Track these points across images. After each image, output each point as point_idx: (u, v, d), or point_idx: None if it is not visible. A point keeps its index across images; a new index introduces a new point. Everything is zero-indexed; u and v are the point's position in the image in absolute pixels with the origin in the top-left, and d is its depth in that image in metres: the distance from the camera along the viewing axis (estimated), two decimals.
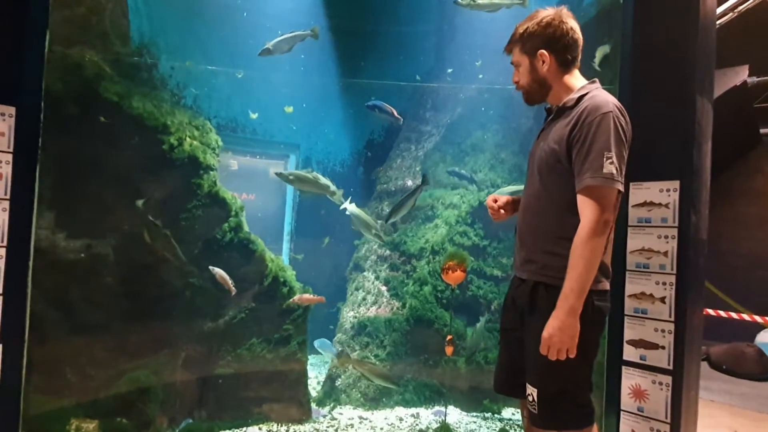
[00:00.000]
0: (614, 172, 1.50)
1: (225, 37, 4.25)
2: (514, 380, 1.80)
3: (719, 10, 3.67)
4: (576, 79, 1.74)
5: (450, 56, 4.73)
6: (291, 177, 3.69)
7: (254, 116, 4.62)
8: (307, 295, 3.49)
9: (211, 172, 3.33)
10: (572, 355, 1.53)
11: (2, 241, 2.07)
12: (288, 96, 4.59)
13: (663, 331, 2.17)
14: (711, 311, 5.19)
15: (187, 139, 3.23)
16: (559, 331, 1.51)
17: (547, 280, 1.63)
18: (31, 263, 2.18)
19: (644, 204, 2.26)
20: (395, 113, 4.04)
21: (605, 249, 1.59)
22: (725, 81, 5.23)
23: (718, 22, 3.69)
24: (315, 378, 4.23)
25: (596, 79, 1.75)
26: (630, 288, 2.29)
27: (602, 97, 1.61)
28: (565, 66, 1.72)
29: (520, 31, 1.75)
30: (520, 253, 1.77)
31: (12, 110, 2.09)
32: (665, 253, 2.18)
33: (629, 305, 2.29)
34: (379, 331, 4.09)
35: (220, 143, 3.49)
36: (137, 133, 3.06)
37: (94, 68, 2.94)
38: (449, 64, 4.70)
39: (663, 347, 2.17)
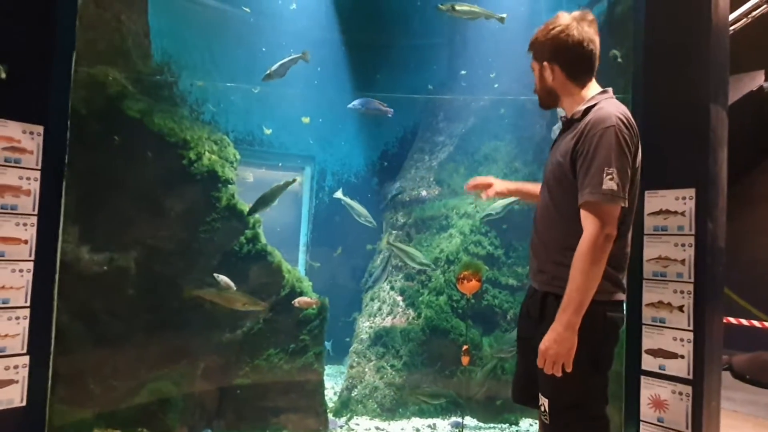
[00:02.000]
0: (614, 188, 1.49)
1: (242, 54, 4.37)
2: (530, 390, 1.79)
3: (733, 16, 3.65)
4: (588, 90, 1.70)
5: (462, 68, 4.78)
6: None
7: (268, 132, 4.72)
8: (305, 298, 3.53)
9: (230, 186, 3.40)
10: (568, 369, 1.52)
11: (30, 255, 2.14)
12: (303, 109, 4.68)
13: (682, 340, 2.15)
14: (732, 320, 5.08)
15: (206, 153, 3.31)
16: (555, 344, 1.51)
17: (556, 291, 1.63)
18: (57, 276, 2.24)
19: (660, 212, 2.25)
20: (383, 106, 4.10)
21: (617, 260, 1.60)
22: (741, 86, 5.17)
23: (732, 27, 3.67)
24: (331, 388, 4.25)
25: (609, 89, 1.71)
26: (647, 297, 2.28)
27: (607, 109, 1.57)
28: (574, 76, 1.69)
29: (535, 38, 1.74)
30: (533, 263, 1.79)
31: (40, 129, 2.16)
32: (682, 262, 2.17)
33: (647, 314, 2.27)
34: (395, 341, 4.10)
35: (238, 157, 3.57)
36: (158, 148, 3.15)
37: (117, 87, 3.05)
38: (462, 76, 4.75)
39: (682, 356, 2.14)
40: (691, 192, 2.17)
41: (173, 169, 3.21)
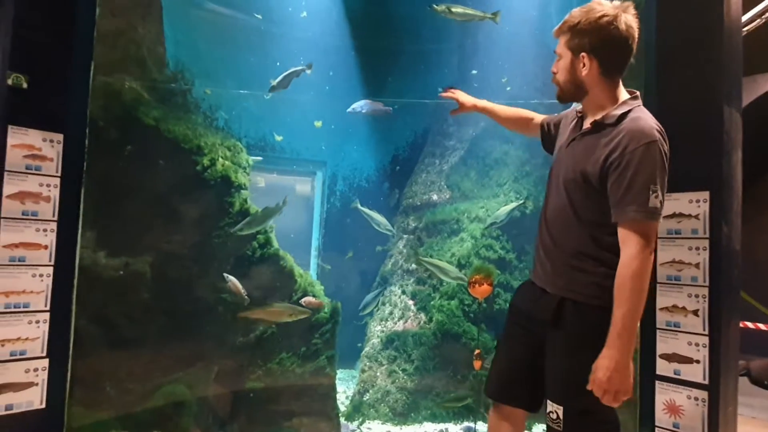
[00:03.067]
0: (658, 205, 1.46)
1: (254, 61, 4.43)
2: (512, 389, 1.79)
3: (746, 17, 3.61)
4: (618, 91, 1.61)
5: (473, 72, 4.78)
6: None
7: (279, 138, 4.78)
8: (310, 298, 3.56)
9: (243, 191, 3.44)
10: (628, 396, 1.47)
11: (50, 260, 2.19)
12: (315, 115, 4.73)
13: (697, 344, 2.12)
14: (750, 324, 4.99)
15: (220, 159, 3.36)
16: (616, 374, 1.44)
17: (574, 297, 1.61)
18: (75, 281, 2.29)
19: (673, 215, 2.23)
20: (381, 105, 4.15)
21: None
22: (756, 88, 5.10)
23: (745, 29, 3.63)
24: (343, 392, 4.26)
25: (637, 93, 1.64)
26: (661, 301, 2.25)
27: (645, 120, 1.51)
28: (609, 74, 1.58)
29: (573, 21, 1.57)
30: (545, 265, 1.73)
31: (60, 137, 2.21)
32: (697, 265, 2.14)
33: (661, 318, 2.25)
34: (406, 345, 4.10)
35: (251, 162, 3.61)
36: (173, 155, 3.20)
37: (133, 94, 3.12)
38: (473, 79, 4.75)
39: (698, 361, 2.11)
40: (705, 195, 2.14)
41: (187, 175, 3.26)
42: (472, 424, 3.69)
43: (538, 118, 2.11)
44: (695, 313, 2.13)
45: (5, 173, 2.07)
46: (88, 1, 2.33)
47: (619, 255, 1.51)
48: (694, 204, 2.17)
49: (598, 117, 1.60)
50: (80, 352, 2.48)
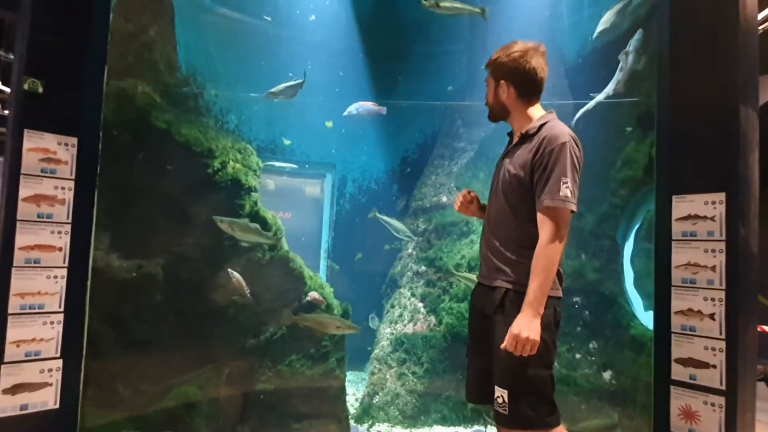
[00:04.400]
0: (569, 195, 1.73)
1: (264, 65, 4.46)
2: (485, 389, 1.88)
3: (762, 14, 3.55)
4: (535, 110, 1.92)
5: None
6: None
7: (288, 142, 4.81)
8: (315, 294, 3.59)
9: (253, 193, 3.46)
10: (533, 352, 1.69)
11: (64, 262, 2.22)
12: (324, 118, 4.74)
13: (713, 349, 2.08)
14: (767, 328, 4.89)
15: (230, 162, 3.38)
16: (527, 329, 1.67)
17: (515, 287, 1.81)
18: (89, 283, 2.32)
19: (688, 217, 2.19)
20: (376, 106, 4.22)
21: (560, 260, 1.78)
22: None
23: (761, 27, 3.57)
24: (353, 395, 4.25)
25: (553, 111, 1.94)
26: (676, 304, 2.22)
27: (559, 127, 1.81)
28: (525, 97, 1.91)
29: (495, 57, 1.95)
30: (489, 264, 1.93)
31: (74, 141, 2.25)
32: (713, 268, 2.10)
33: (676, 322, 2.21)
34: (416, 348, 4.08)
35: (261, 165, 3.63)
36: (184, 158, 3.24)
37: (146, 98, 3.15)
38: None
39: (714, 366, 2.07)
40: (721, 196, 2.11)
41: (199, 178, 3.29)
42: (482, 428, 3.67)
43: None
44: (711, 316, 2.09)
45: (21, 176, 2.10)
46: (103, 6, 2.37)
47: None
48: (710, 206, 2.13)
49: (522, 131, 1.91)
50: (93, 353, 2.51)
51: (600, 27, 3.57)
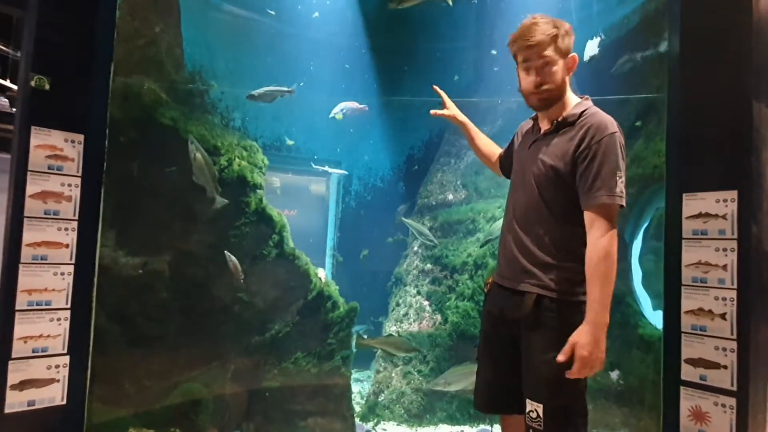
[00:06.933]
0: (623, 190, 1.58)
1: (270, 62, 4.45)
2: (503, 398, 1.77)
3: None
4: (572, 93, 1.77)
5: (489, 70, 4.74)
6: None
7: (291, 143, 4.82)
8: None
9: (258, 191, 3.46)
10: (600, 370, 1.55)
11: (71, 259, 2.22)
12: (330, 115, 4.73)
13: (724, 349, 2.05)
14: None
15: (236, 159, 3.38)
16: (594, 348, 1.52)
17: (552, 294, 1.64)
18: (95, 279, 2.32)
19: (699, 215, 2.16)
20: (356, 105, 4.26)
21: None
22: None
23: None
24: (358, 393, 4.25)
25: (588, 96, 1.78)
26: (686, 304, 2.18)
27: (604, 115, 1.65)
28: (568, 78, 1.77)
29: (552, 33, 1.68)
30: (515, 264, 1.73)
31: (81, 137, 2.25)
32: (724, 267, 2.07)
33: (686, 322, 2.18)
34: (421, 346, 4.07)
35: (267, 162, 3.63)
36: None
37: (152, 95, 3.15)
38: (488, 78, 4.71)
39: (725, 366, 2.04)
40: (732, 194, 2.07)
41: None
42: (488, 427, 3.65)
43: (498, 153, 2.18)
44: (722, 316, 2.06)
45: (28, 173, 2.11)
46: (109, 3, 2.36)
47: None
48: (722, 203, 2.10)
49: (558, 117, 1.72)
50: (100, 350, 2.52)
51: (589, 53, 3.56)
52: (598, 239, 1.55)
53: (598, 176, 1.57)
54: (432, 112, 2.23)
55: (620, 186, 1.57)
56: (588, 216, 1.59)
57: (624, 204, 1.58)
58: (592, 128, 1.61)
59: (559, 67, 1.73)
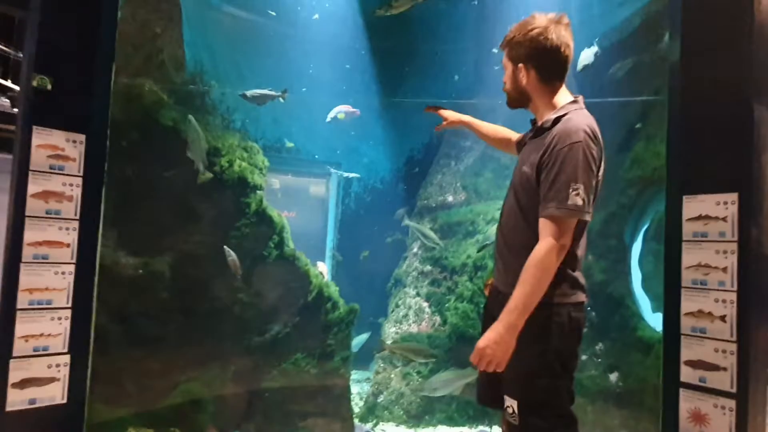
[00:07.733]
0: (580, 203, 1.52)
1: (271, 63, 4.46)
2: (494, 392, 1.78)
3: None
4: (559, 96, 1.70)
5: (490, 72, 4.75)
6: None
7: (290, 145, 4.83)
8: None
9: (259, 192, 3.47)
10: (500, 370, 1.56)
11: (72, 258, 2.22)
12: (325, 120, 4.74)
13: (724, 351, 2.05)
14: None
15: (237, 160, 3.38)
16: (494, 344, 1.53)
17: None
18: (96, 279, 2.32)
19: (699, 218, 2.16)
20: (350, 108, 4.34)
21: (574, 262, 1.64)
22: None
23: None
24: (358, 394, 4.25)
25: (580, 97, 1.72)
26: (686, 306, 2.19)
27: (575, 122, 1.58)
28: (548, 81, 1.69)
29: (510, 36, 1.71)
30: (499, 265, 1.81)
31: (82, 138, 2.25)
32: (724, 269, 2.08)
33: (686, 324, 2.18)
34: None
35: (267, 163, 3.63)
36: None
37: (153, 97, 3.16)
38: (488, 78, 4.71)
39: (725, 368, 2.05)
40: (733, 197, 2.08)
41: None
42: (487, 428, 3.65)
43: (516, 137, 2.16)
44: (722, 318, 2.07)
45: (30, 173, 2.11)
46: (111, 5, 2.37)
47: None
48: (722, 206, 2.10)
49: (539, 122, 1.71)
50: (100, 349, 2.52)
51: (583, 62, 3.58)
52: (539, 249, 1.54)
53: (552, 187, 1.54)
54: (437, 129, 2.29)
55: (573, 198, 1.51)
56: (540, 223, 1.58)
57: (583, 217, 1.55)
58: (557, 136, 1.57)
59: (509, 72, 1.74)
